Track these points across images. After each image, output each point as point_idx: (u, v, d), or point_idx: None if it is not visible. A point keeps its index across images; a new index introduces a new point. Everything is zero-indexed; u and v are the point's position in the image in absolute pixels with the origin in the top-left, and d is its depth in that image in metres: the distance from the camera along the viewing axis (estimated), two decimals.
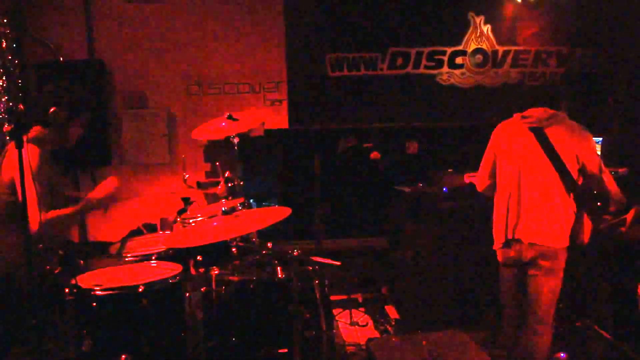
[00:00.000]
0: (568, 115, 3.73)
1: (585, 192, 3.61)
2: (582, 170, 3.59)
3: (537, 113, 3.68)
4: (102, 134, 5.81)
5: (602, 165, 3.62)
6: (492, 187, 3.92)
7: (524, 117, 3.73)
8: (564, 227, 3.62)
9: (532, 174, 3.64)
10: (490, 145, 3.95)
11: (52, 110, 3.12)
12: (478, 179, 4.08)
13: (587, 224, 3.67)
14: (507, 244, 3.76)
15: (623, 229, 3.91)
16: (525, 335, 3.76)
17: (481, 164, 4.02)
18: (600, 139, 4.98)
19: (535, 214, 3.63)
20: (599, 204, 3.62)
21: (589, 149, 3.62)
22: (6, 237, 3.08)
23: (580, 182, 3.60)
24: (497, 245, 3.86)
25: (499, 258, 3.88)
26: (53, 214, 3.03)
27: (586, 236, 3.67)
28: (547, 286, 3.66)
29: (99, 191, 3.34)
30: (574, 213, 3.64)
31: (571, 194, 3.60)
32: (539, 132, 3.62)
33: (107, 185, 3.36)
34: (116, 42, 6.04)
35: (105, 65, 5.97)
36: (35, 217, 2.82)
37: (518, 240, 3.68)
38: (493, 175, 3.91)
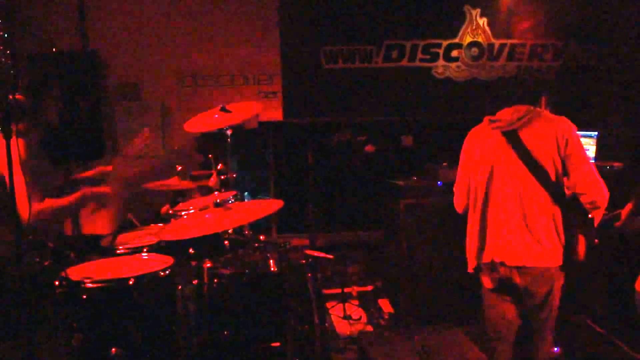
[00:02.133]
0: (550, 111, 3.33)
1: (573, 202, 3.11)
2: (565, 169, 3.08)
3: (506, 114, 3.18)
4: (95, 125, 5.77)
5: (587, 160, 3.11)
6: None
7: (491, 122, 3.25)
8: (555, 243, 3.12)
9: (508, 185, 3.16)
10: (462, 158, 3.47)
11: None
12: (456, 200, 3.54)
13: (582, 238, 3.15)
14: (491, 266, 3.25)
15: (617, 223, 3.89)
16: (529, 349, 3.33)
17: (456, 182, 3.53)
18: (596, 133, 4.97)
19: (519, 232, 3.13)
20: (590, 215, 3.09)
21: (571, 142, 3.06)
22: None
23: (566, 189, 3.12)
24: (470, 266, 3.39)
25: (487, 284, 3.33)
26: (47, 203, 3.01)
27: (581, 251, 3.14)
28: (548, 311, 3.23)
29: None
30: (563, 226, 3.14)
31: (557, 204, 3.11)
32: (511, 136, 3.15)
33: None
34: (110, 34, 6.01)
35: (98, 57, 5.93)
36: (25, 207, 2.79)
37: (501, 264, 3.19)
38: (469, 191, 3.40)
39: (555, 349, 4.12)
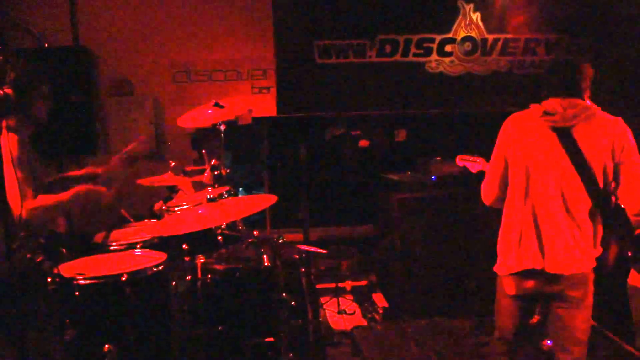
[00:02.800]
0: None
1: (618, 211, 2.91)
2: (616, 176, 2.86)
3: (559, 107, 2.88)
4: (87, 121, 5.75)
5: None
6: (503, 200, 3.13)
7: (546, 114, 2.92)
8: (591, 249, 2.92)
9: (553, 186, 2.91)
10: (500, 146, 3.11)
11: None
12: (485, 189, 3.23)
13: (615, 248, 2.96)
14: (525, 274, 2.98)
15: None
16: None
17: (489, 169, 3.23)
18: None
19: (561, 237, 2.90)
20: (634, 224, 2.90)
21: (628, 147, 2.83)
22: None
23: (612, 197, 2.90)
24: (504, 271, 3.07)
25: (510, 290, 3.07)
26: (40, 200, 2.99)
27: (611, 260, 2.96)
28: (581, 319, 2.97)
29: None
30: (601, 232, 2.94)
31: (600, 211, 2.89)
32: (564, 134, 2.87)
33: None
34: (101, 29, 5.98)
35: (90, 52, 5.91)
36: (17, 204, 2.78)
37: (541, 272, 2.93)
38: (505, 184, 3.09)
39: (548, 341, 4.14)
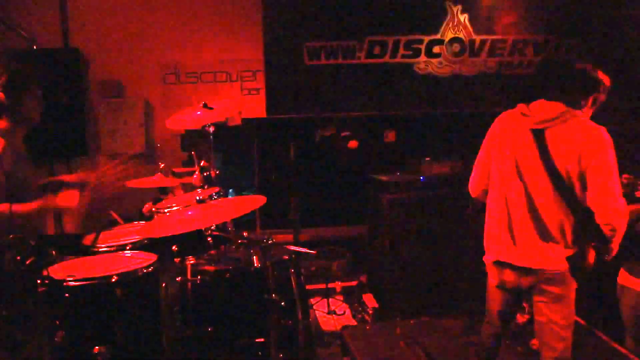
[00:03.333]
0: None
1: (585, 214, 2.92)
2: (583, 183, 2.91)
3: (539, 110, 3.03)
4: (78, 123, 5.75)
5: (609, 178, 2.87)
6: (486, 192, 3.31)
7: (523, 115, 3.08)
8: (561, 249, 2.99)
9: (525, 184, 3.03)
10: (486, 141, 3.30)
11: None
12: (472, 182, 3.41)
13: (592, 252, 3.03)
14: (502, 265, 3.16)
15: None
16: None
17: (476, 163, 3.39)
18: None
19: (530, 233, 3.03)
20: (605, 233, 2.88)
21: (599, 156, 2.86)
22: None
23: (581, 197, 2.93)
24: (487, 258, 3.27)
25: (492, 280, 3.26)
26: (2, 207, 2.97)
27: (589, 263, 3.03)
28: (562, 314, 3.04)
29: (61, 199, 3.28)
30: (575, 234, 2.99)
31: (571, 213, 2.96)
32: (538, 135, 2.98)
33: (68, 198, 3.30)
34: (92, 31, 5.98)
35: (80, 54, 5.90)
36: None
37: (509, 265, 3.11)
38: (488, 178, 3.28)
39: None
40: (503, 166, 3.13)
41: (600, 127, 2.92)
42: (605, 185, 2.86)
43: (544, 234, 2.99)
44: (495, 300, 3.29)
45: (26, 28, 5.76)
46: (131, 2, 6.04)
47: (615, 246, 2.96)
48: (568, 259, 2.98)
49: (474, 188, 3.40)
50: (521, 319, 4.48)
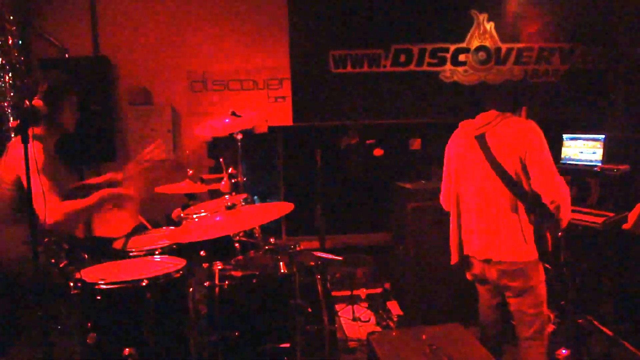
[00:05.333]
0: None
1: (533, 199, 3.28)
2: (525, 171, 3.27)
3: (477, 119, 3.50)
4: (107, 130, 5.85)
5: (545, 162, 3.24)
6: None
7: (463, 125, 3.61)
8: (523, 240, 3.31)
9: (476, 185, 3.45)
10: (445, 159, 3.78)
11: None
12: (442, 198, 3.86)
13: (547, 234, 3.39)
14: (463, 262, 3.65)
15: (625, 226, 3.90)
16: (519, 350, 3.53)
17: (442, 181, 3.84)
18: (603, 136, 4.99)
19: (487, 228, 3.41)
20: (552, 210, 3.23)
21: (531, 144, 3.24)
22: (14, 232, 3.12)
23: (528, 188, 3.28)
24: (452, 261, 3.71)
25: (468, 277, 3.74)
26: (68, 206, 3.06)
27: (547, 245, 3.38)
28: (527, 305, 3.41)
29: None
30: (531, 223, 3.33)
31: (521, 203, 3.30)
32: (480, 139, 3.42)
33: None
34: (121, 39, 6.08)
35: (110, 62, 6.01)
36: (42, 210, 2.85)
37: (473, 258, 3.56)
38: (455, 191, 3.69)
39: (563, 350, 4.16)
40: (456, 175, 3.60)
41: (529, 121, 3.34)
42: (542, 167, 3.22)
43: (499, 229, 3.34)
44: (481, 295, 3.76)
45: (57, 37, 5.89)
46: (159, 11, 6.12)
47: (564, 218, 3.29)
48: (531, 249, 3.30)
49: (444, 203, 3.84)
50: (547, 329, 4.46)
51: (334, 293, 5.15)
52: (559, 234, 3.46)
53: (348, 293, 5.36)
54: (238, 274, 3.17)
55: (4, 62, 5.18)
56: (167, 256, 3.31)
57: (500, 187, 3.32)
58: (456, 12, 6.36)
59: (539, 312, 3.42)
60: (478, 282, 3.72)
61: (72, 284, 2.73)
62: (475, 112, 3.57)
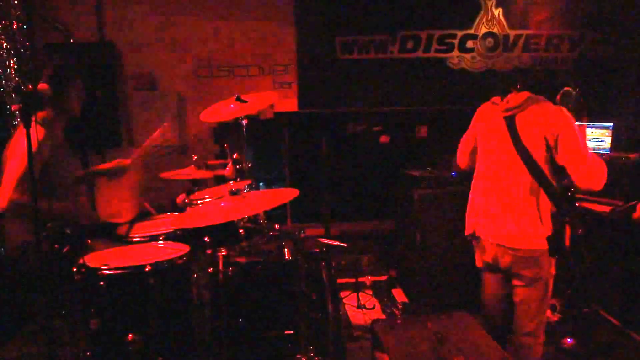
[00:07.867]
0: (571, 105, 3.43)
1: (563, 190, 3.18)
2: (552, 156, 3.12)
3: (510, 100, 3.27)
4: (112, 115, 5.84)
5: (579, 149, 3.06)
6: (471, 168, 3.60)
7: (494, 104, 3.39)
8: (537, 228, 3.16)
9: (500, 166, 3.29)
10: (471, 125, 3.62)
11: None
12: (459, 155, 3.74)
13: (567, 227, 3.21)
14: (472, 237, 3.48)
15: (635, 215, 3.87)
16: (514, 346, 3.38)
17: (462, 140, 3.70)
18: (612, 124, 4.94)
19: (504, 213, 3.25)
20: (577, 204, 3.14)
21: (561, 129, 3.06)
22: (16, 218, 3.11)
23: (551, 176, 3.15)
24: (466, 232, 3.53)
25: (477, 263, 3.55)
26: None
27: (566, 240, 3.20)
28: (534, 298, 3.27)
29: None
30: (551, 213, 3.18)
31: (543, 191, 3.16)
32: (509, 121, 3.24)
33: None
34: (126, 24, 6.06)
35: (115, 48, 5.98)
36: (5, 195, 2.87)
37: (486, 241, 3.36)
38: (473, 154, 3.57)
39: (569, 339, 4.14)
40: (483, 150, 3.44)
41: (560, 107, 3.17)
42: (576, 151, 3.05)
43: (517, 215, 3.19)
44: (487, 285, 3.55)
45: (62, 22, 5.86)
46: None
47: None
48: (547, 238, 3.14)
49: (462, 161, 3.73)
50: (553, 317, 4.44)
51: (338, 280, 5.14)
52: (579, 230, 3.23)
53: (353, 280, 5.34)
54: (242, 260, 3.15)
55: (9, 46, 5.15)
56: (170, 242, 3.30)
57: (523, 173, 3.17)
58: None
59: (544, 307, 3.33)
60: (488, 271, 3.49)
61: (75, 270, 2.72)
62: (506, 93, 3.34)
